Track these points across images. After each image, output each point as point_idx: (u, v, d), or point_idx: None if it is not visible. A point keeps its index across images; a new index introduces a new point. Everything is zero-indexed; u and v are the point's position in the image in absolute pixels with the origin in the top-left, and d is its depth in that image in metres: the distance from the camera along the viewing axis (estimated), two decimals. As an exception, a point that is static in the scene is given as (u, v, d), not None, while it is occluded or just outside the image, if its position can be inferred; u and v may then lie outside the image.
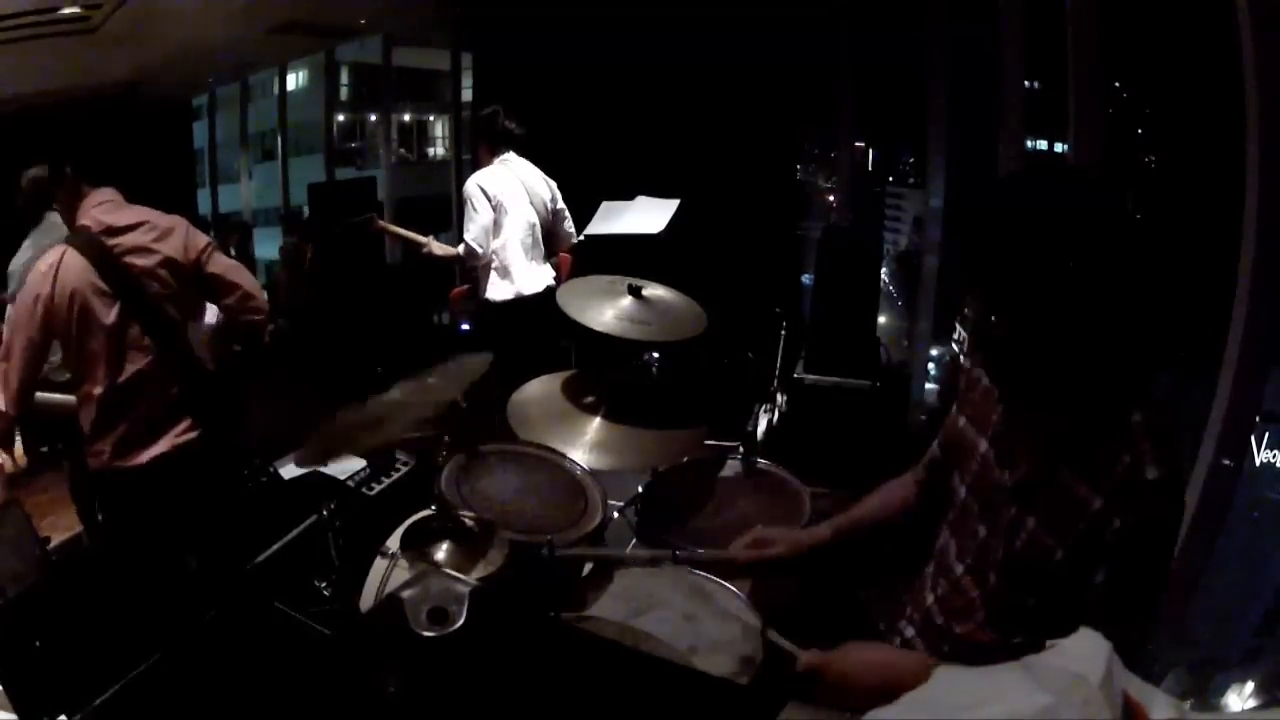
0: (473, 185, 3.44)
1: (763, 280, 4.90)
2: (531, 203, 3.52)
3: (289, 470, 2.64)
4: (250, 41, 6.51)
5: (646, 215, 3.76)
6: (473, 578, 1.54)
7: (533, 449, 1.98)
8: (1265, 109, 2.88)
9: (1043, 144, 4.56)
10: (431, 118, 10.66)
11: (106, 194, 2.14)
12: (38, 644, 1.51)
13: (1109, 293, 1.06)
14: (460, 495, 1.80)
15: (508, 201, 3.44)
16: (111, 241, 2.06)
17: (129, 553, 2.08)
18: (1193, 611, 3.11)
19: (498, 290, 3.51)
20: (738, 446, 2.18)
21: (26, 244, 2.96)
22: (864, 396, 3.94)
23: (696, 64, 4.87)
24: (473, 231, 3.40)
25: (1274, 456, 3.02)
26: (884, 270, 5.37)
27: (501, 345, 3.46)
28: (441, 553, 1.64)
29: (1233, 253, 3.03)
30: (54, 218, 2.67)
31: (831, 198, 6.14)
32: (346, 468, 2.61)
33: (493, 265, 3.49)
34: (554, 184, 3.65)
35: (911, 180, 7.63)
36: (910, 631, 1.37)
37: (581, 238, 3.79)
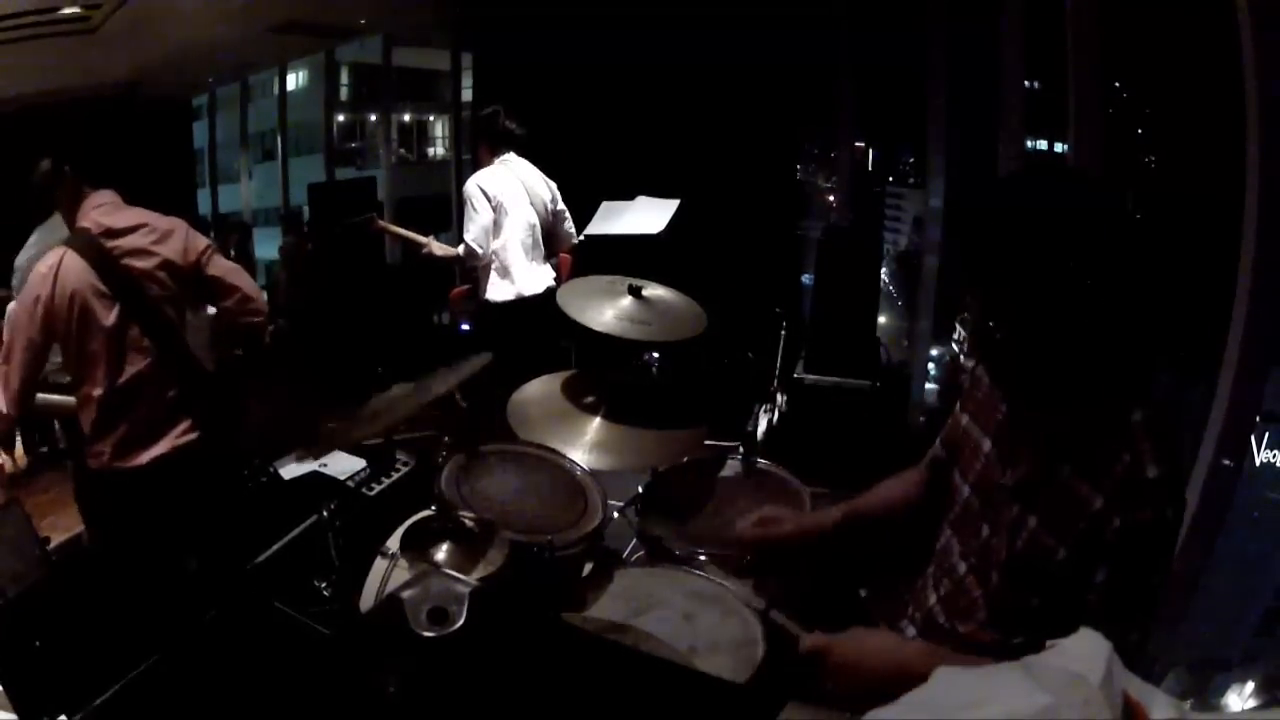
0: (473, 185, 3.44)
1: (763, 280, 4.90)
2: (531, 203, 3.52)
3: (289, 470, 2.64)
4: (250, 41, 6.51)
5: (646, 215, 3.76)
6: (473, 578, 1.54)
7: (533, 449, 1.98)
8: (1265, 109, 2.88)
9: (1043, 144, 4.56)
10: (431, 118, 10.66)
11: (106, 196, 2.14)
12: (38, 644, 1.51)
13: (1109, 293, 1.06)
14: (460, 495, 1.80)
15: (508, 202, 3.44)
16: (111, 243, 2.06)
17: (129, 553, 2.08)
18: (1193, 611, 3.11)
19: (498, 290, 3.51)
20: (738, 446, 2.19)
21: (33, 239, 2.96)
22: (864, 396, 3.94)
23: (696, 64, 4.87)
24: (473, 232, 3.40)
25: (1274, 456, 3.02)
26: (884, 270, 5.37)
27: (501, 345, 3.49)
28: (441, 553, 1.64)
29: (1233, 253, 3.03)
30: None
31: (831, 198, 6.14)
32: (346, 468, 2.61)
33: (493, 265, 3.49)
34: (554, 184, 3.65)
35: (911, 180, 7.63)
36: (912, 631, 1.37)
37: (581, 238, 3.79)
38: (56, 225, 2.36)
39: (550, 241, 3.65)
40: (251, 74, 8.56)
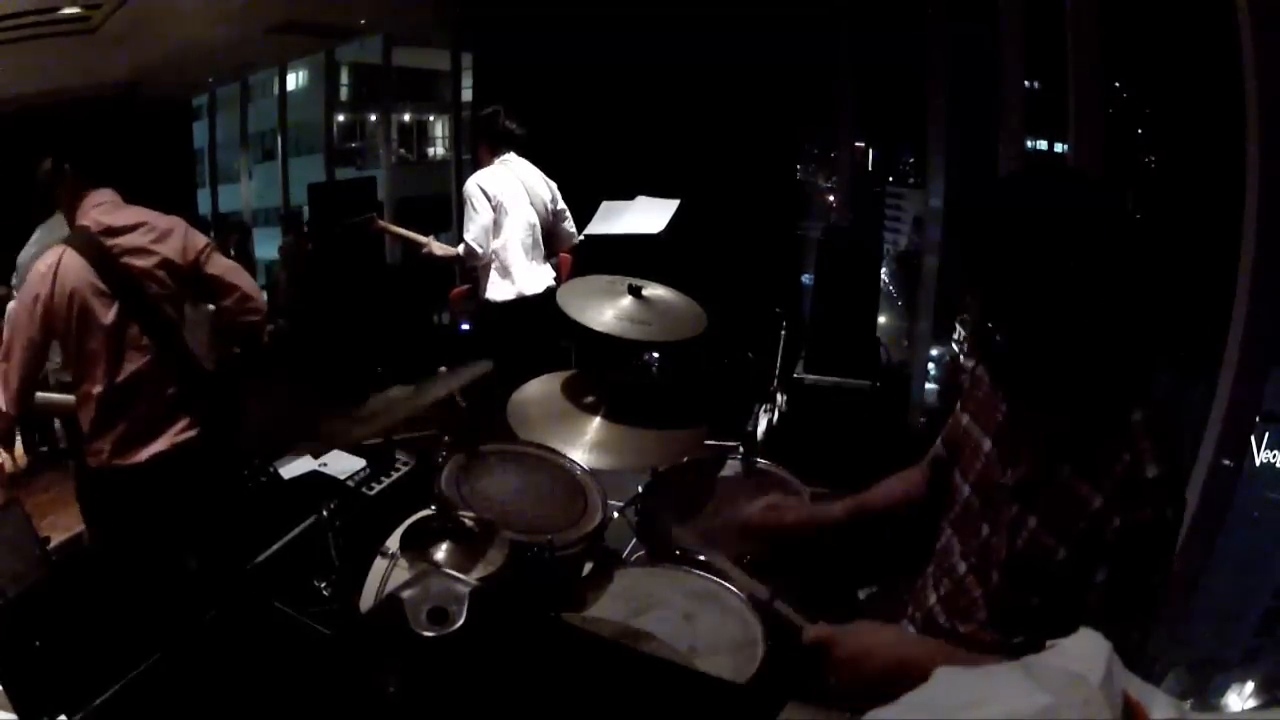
0: (473, 185, 3.44)
1: (763, 280, 4.90)
2: (531, 203, 3.52)
3: (289, 470, 2.64)
4: (250, 41, 6.51)
5: (646, 215, 3.76)
6: (473, 578, 1.54)
7: (533, 449, 1.99)
8: (1265, 109, 2.88)
9: (1043, 144, 4.56)
10: (431, 118, 10.65)
11: (106, 194, 2.15)
12: (38, 644, 1.51)
13: (1108, 293, 1.06)
14: (460, 495, 1.80)
15: (508, 201, 3.44)
16: (110, 242, 2.06)
17: (129, 551, 2.08)
18: (1193, 611, 3.11)
19: (498, 290, 3.51)
20: (738, 446, 2.18)
21: (36, 237, 2.97)
22: (864, 396, 3.94)
23: (696, 64, 4.87)
24: (473, 231, 3.40)
25: (1274, 456, 3.03)
26: (884, 270, 5.37)
27: (501, 345, 3.50)
28: (441, 553, 1.64)
29: (1233, 253, 3.03)
30: None
31: (831, 198, 6.14)
32: (346, 467, 2.62)
33: (493, 265, 3.49)
34: (554, 184, 3.65)
35: (911, 180, 7.63)
36: (911, 630, 1.37)
37: (581, 238, 3.79)
38: (59, 223, 2.37)
39: (550, 241, 3.65)
40: (251, 74, 8.56)
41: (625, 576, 1.69)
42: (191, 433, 2.19)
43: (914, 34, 4.82)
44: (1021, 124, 4.22)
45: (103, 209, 2.11)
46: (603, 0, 5.00)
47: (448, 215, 6.73)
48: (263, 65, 8.26)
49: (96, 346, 2.04)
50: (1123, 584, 1.04)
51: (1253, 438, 3.05)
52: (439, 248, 3.62)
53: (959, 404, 1.41)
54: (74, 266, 2.02)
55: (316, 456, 2.68)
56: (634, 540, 2.08)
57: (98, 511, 2.24)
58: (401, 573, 1.64)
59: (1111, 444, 1.07)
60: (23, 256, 2.97)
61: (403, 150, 10.31)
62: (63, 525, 2.96)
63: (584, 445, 1.94)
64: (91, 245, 2.05)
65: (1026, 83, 4.23)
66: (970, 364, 1.36)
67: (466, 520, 1.69)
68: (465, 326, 4.10)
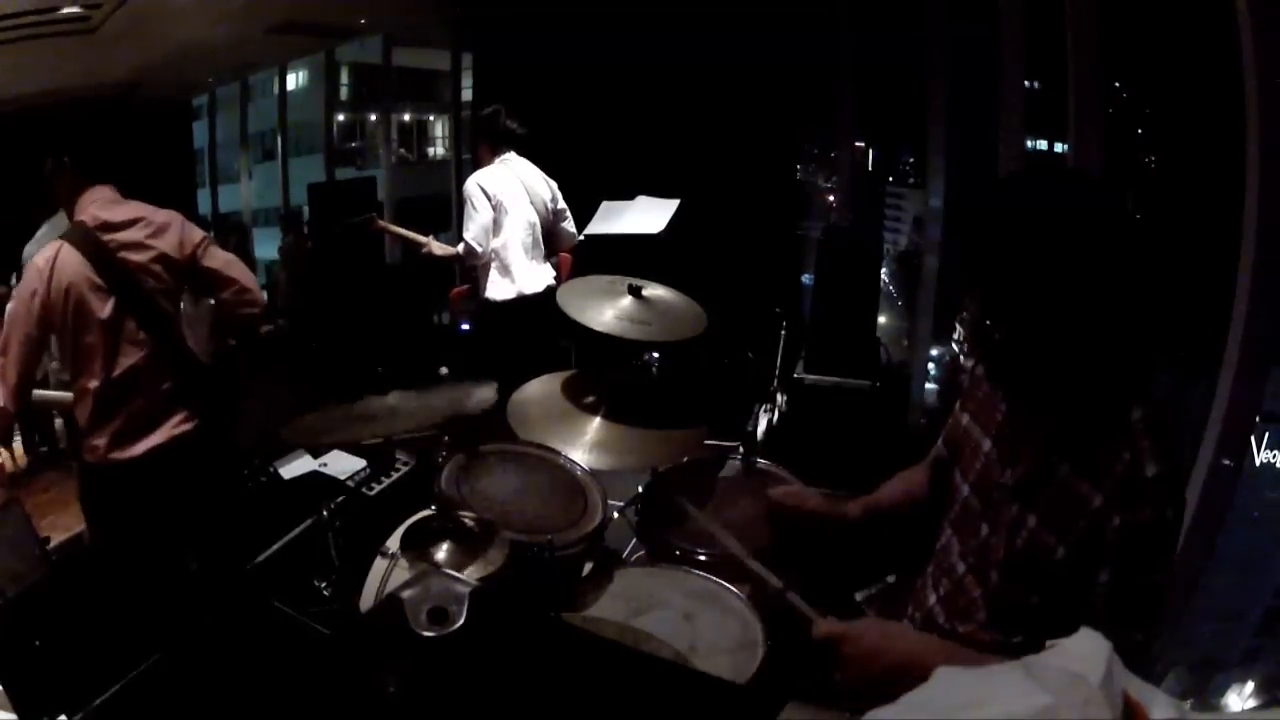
0: (473, 184, 3.44)
1: (763, 280, 4.90)
2: (532, 202, 3.53)
3: (289, 470, 2.64)
4: (250, 41, 6.51)
5: (646, 215, 3.76)
6: (473, 578, 1.54)
7: (533, 449, 1.99)
8: (1265, 109, 2.89)
9: (1043, 144, 4.56)
10: (431, 118, 10.65)
11: (104, 191, 2.15)
12: (38, 644, 1.51)
13: (1108, 293, 1.06)
14: (460, 495, 1.80)
15: (507, 201, 3.44)
16: (107, 237, 2.07)
17: (128, 547, 2.08)
18: (1193, 611, 3.11)
19: (498, 289, 3.51)
20: (738, 446, 2.18)
21: (42, 231, 2.96)
22: (864, 396, 3.93)
23: (696, 64, 4.86)
24: (472, 230, 3.40)
25: (1274, 456, 3.03)
26: (884, 270, 5.36)
27: (501, 345, 3.50)
28: (441, 553, 1.64)
29: (1233, 253, 3.04)
30: None
31: (831, 198, 6.13)
32: (346, 467, 2.62)
33: (493, 264, 3.49)
34: (554, 184, 3.65)
35: (911, 180, 7.62)
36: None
37: (581, 238, 3.79)
38: (65, 219, 2.37)
39: (550, 241, 3.65)
40: (251, 74, 8.56)
41: (625, 576, 1.69)
42: (188, 426, 2.19)
43: (914, 34, 4.82)
44: (1021, 124, 4.22)
45: (100, 205, 2.11)
46: (603, 0, 5.00)
47: (448, 215, 6.73)
48: (263, 65, 8.27)
49: (93, 341, 2.05)
50: (1126, 585, 1.04)
51: (1253, 438, 3.05)
52: (439, 247, 3.62)
53: (959, 404, 1.41)
54: (71, 262, 2.02)
55: (316, 456, 2.68)
56: (634, 540, 2.08)
57: (97, 508, 2.24)
58: (401, 573, 1.64)
59: (1111, 443, 1.07)
60: (28, 250, 2.97)
61: (403, 150, 10.32)
62: (63, 525, 2.97)
63: (584, 445, 1.94)
64: (88, 240, 2.05)
65: (1026, 83, 4.23)
66: (970, 364, 1.36)
67: (466, 520, 1.69)
68: (465, 326, 4.10)
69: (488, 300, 3.53)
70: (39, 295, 2.00)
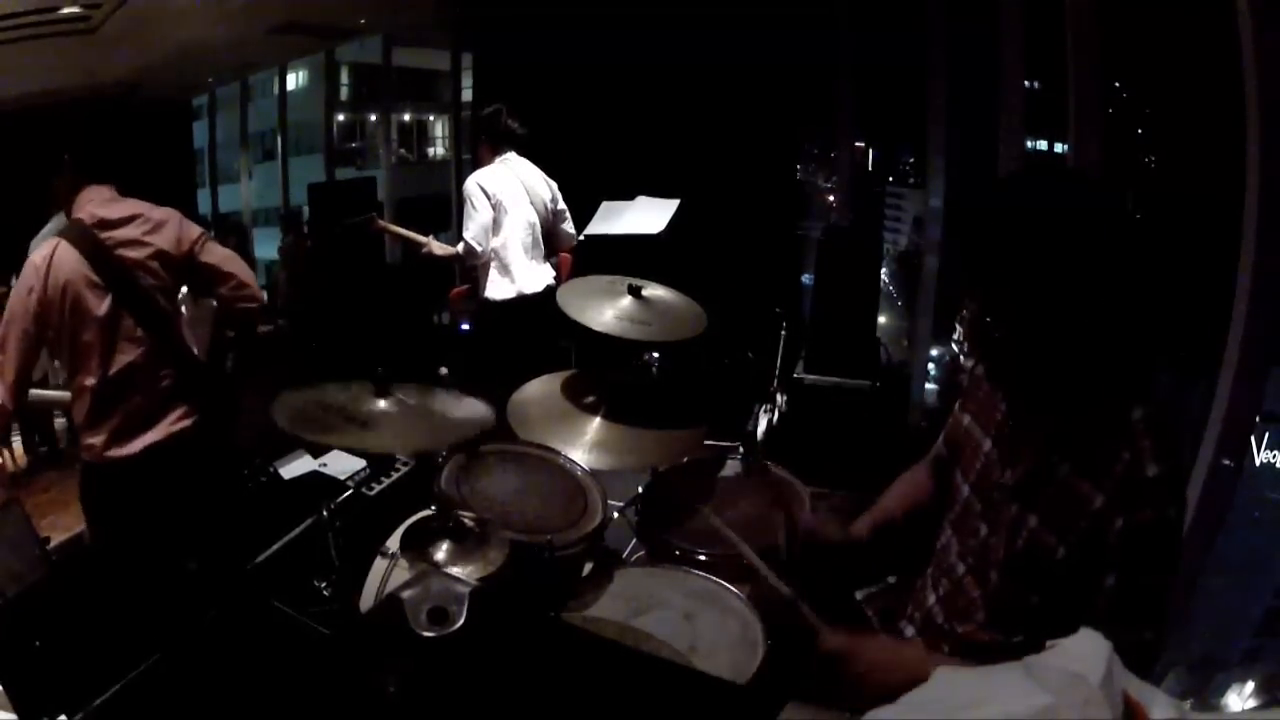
0: (472, 184, 3.44)
1: (763, 280, 4.90)
2: (531, 202, 3.53)
3: (289, 470, 2.64)
4: (250, 41, 6.51)
5: (646, 215, 3.77)
6: (473, 578, 1.54)
7: (533, 449, 1.98)
8: (1265, 109, 2.89)
9: (1043, 144, 4.56)
10: (431, 118, 10.66)
11: (103, 190, 2.15)
12: (38, 644, 1.51)
13: (1108, 292, 1.06)
14: (460, 495, 1.80)
15: (507, 200, 3.44)
16: (104, 234, 2.07)
17: (128, 547, 2.08)
18: (1193, 611, 3.11)
19: (498, 289, 3.51)
20: (738, 446, 2.18)
21: (48, 228, 2.96)
22: (864, 396, 3.94)
23: (696, 64, 4.87)
24: (472, 230, 3.40)
25: (1274, 456, 3.03)
26: (884, 270, 5.36)
27: (501, 345, 3.49)
28: (441, 553, 1.64)
29: (1233, 253, 3.03)
30: None
31: (831, 198, 6.13)
32: (346, 467, 2.61)
33: (493, 264, 3.49)
34: (554, 184, 3.65)
35: (911, 180, 7.63)
36: (910, 631, 1.37)
37: (581, 238, 3.79)
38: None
39: (550, 241, 3.66)
40: (251, 74, 8.57)
41: (625, 576, 1.69)
42: (187, 423, 2.18)
43: (914, 34, 4.82)
44: (1021, 124, 4.22)
45: (98, 203, 2.11)
46: (603, 0, 5.00)
47: (447, 215, 6.74)
48: (263, 65, 8.28)
49: (90, 338, 2.04)
50: (1133, 585, 1.04)
51: (1253, 438, 3.05)
52: (439, 247, 3.62)
53: (959, 404, 1.41)
54: (68, 259, 2.02)
55: (316, 456, 2.68)
56: (634, 540, 2.08)
57: (97, 507, 2.24)
58: (401, 573, 1.64)
59: (1112, 443, 1.07)
60: (34, 244, 2.97)
61: (403, 150, 10.33)
62: (63, 525, 2.97)
63: (584, 445, 1.94)
64: (86, 238, 2.05)
65: (1026, 83, 4.23)
66: (970, 364, 1.36)
67: (466, 520, 1.69)
68: (465, 326, 4.10)
69: (487, 300, 3.53)
70: (36, 292, 2.00)
